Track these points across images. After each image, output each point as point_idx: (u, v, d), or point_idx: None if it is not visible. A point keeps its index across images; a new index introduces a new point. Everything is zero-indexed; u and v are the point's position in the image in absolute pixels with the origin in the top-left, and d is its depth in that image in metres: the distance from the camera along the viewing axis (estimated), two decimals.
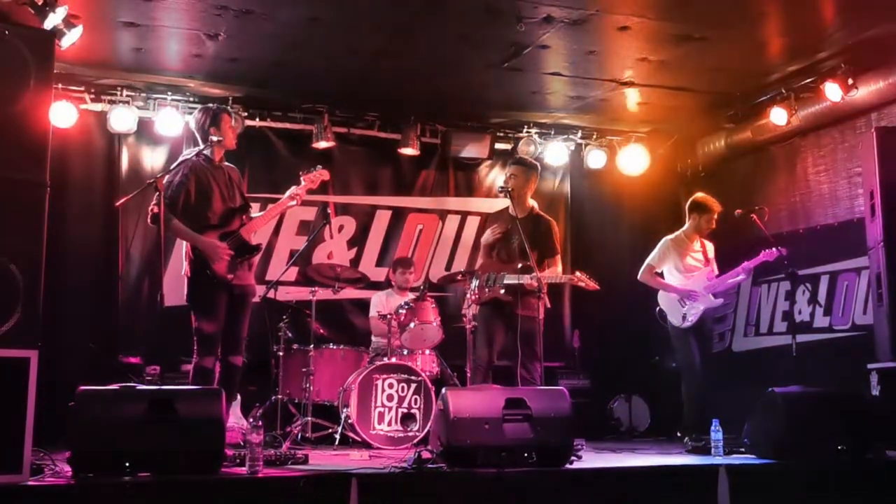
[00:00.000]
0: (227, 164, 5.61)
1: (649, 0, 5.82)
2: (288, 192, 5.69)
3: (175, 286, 5.73)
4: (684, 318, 6.28)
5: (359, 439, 6.10)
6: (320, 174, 5.79)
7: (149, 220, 5.18)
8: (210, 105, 5.80)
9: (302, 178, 5.75)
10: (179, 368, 6.30)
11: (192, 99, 7.60)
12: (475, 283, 5.81)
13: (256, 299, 6.91)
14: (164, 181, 5.04)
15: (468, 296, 5.90)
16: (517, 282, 5.70)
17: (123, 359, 7.06)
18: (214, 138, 5.39)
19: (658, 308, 6.47)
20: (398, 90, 7.59)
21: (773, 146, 8.04)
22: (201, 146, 5.45)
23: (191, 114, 7.60)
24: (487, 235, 6.10)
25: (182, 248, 5.51)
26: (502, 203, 6.33)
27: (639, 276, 6.49)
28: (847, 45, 6.52)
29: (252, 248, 5.50)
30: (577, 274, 5.82)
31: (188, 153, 5.53)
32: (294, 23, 6.10)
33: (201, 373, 5.22)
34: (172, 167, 5.39)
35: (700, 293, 6.28)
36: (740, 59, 6.82)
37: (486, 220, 6.54)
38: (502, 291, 5.76)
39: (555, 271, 5.92)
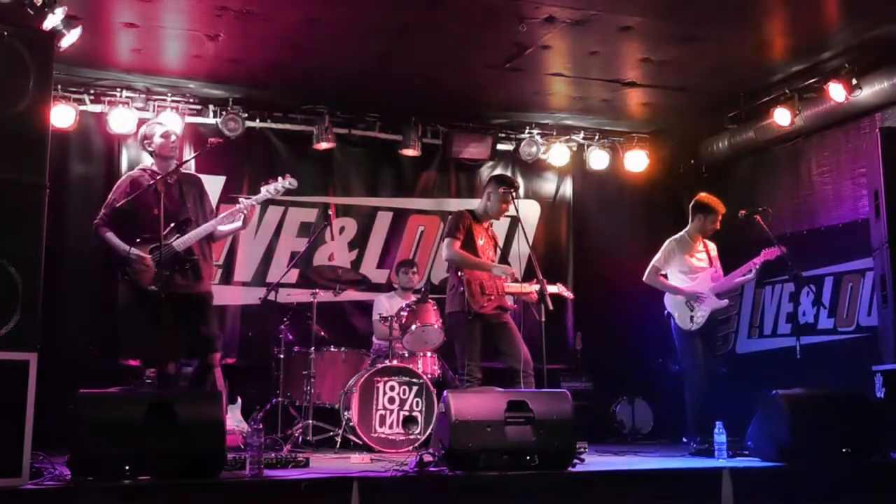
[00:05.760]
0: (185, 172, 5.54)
1: (651, 0, 5.80)
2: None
3: None
4: (692, 320, 6.21)
5: (360, 442, 6.08)
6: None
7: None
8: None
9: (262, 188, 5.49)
10: (179, 371, 6.26)
11: (192, 100, 7.58)
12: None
13: (256, 301, 6.96)
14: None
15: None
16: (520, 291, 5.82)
17: (123, 361, 7.03)
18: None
19: (666, 311, 6.40)
20: (399, 91, 7.56)
21: (776, 147, 8.01)
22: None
23: (191, 115, 7.62)
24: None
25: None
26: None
27: (644, 278, 6.39)
28: (851, 45, 6.51)
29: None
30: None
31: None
32: (294, 23, 6.09)
33: (160, 378, 5.21)
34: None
35: (706, 294, 6.22)
36: (743, 60, 6.80)
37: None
38: (511, 302, 5.90)
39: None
